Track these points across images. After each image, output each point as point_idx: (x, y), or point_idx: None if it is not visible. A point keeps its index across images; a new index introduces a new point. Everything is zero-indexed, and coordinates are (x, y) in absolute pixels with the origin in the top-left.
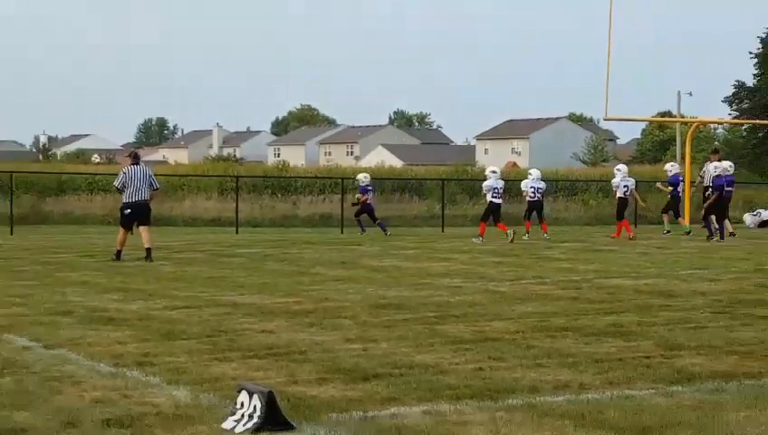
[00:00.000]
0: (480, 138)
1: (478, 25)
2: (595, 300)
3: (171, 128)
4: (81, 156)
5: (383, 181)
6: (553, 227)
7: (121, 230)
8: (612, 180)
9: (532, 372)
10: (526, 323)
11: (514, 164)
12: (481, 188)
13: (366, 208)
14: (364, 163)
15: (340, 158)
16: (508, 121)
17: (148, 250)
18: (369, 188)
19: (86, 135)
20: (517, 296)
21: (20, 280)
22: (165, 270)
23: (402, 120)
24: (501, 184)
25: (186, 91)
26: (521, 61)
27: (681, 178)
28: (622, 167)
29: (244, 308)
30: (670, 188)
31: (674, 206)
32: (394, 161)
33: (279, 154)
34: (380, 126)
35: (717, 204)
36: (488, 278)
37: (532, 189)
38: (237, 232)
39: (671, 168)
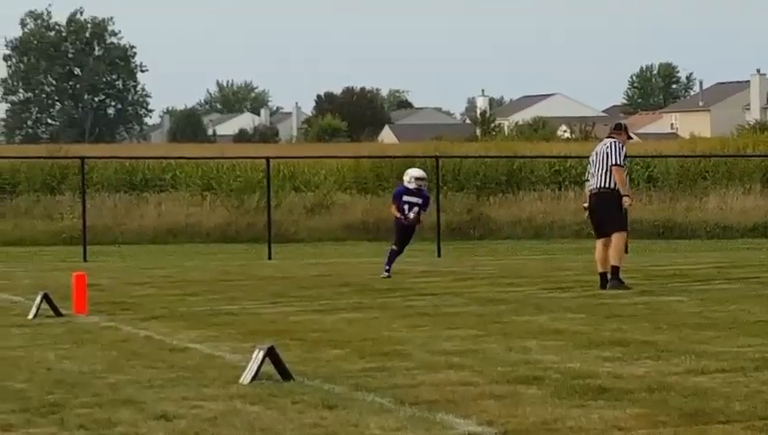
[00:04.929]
0: None
1: None
2: None
3: (683, 79)
4: (541, 129)
5: None
6: None
7: (597, 243)
8: None
9: None
10: None
11: None
12: None
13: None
14: None
15: None
16: None
17: (614, 270)
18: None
19: (548, 95)
20: None
21: (453, 328)
22: (683, 310)
23: None
24: None
25: (708, 23)
26: None
27: None
28: None
29: None
30: None
31: None
32: None
33: None
34: None
35: None
36: None
37: None
38: None
39: None
